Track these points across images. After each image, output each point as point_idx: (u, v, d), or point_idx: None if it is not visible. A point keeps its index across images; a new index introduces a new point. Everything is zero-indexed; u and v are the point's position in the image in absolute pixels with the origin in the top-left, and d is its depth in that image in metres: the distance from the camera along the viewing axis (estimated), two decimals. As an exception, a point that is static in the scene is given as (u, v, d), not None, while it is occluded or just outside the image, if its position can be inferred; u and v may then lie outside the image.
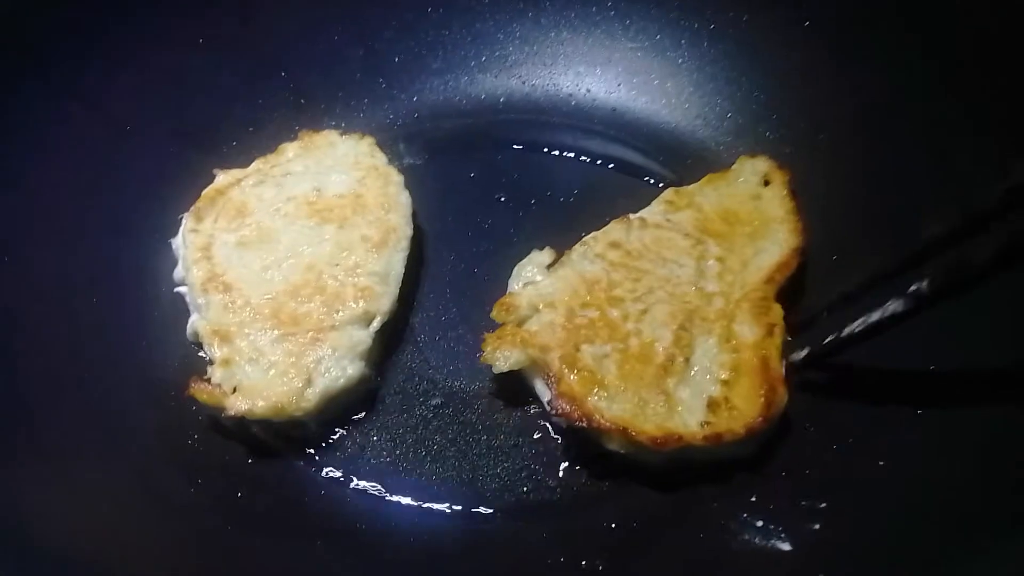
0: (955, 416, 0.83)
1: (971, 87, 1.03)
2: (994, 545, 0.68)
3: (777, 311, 0.94)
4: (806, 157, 1.17)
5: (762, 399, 0.87)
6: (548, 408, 0.91)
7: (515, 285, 1.01)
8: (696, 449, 0.86)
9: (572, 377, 0.90)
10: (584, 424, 0.87)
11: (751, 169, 1.11)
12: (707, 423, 0.86)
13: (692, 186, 1.11)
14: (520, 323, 0.96)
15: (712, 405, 0.87)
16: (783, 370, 0.90)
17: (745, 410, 0.86)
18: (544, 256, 1.03)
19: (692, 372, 0.90)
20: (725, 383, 0.89)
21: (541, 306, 0.96)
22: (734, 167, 1.12)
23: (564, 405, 0.88)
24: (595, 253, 1.01)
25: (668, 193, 1.10)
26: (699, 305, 0.96)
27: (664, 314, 0.95)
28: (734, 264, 1.00)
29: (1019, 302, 0.84)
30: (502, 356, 0.93)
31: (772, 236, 1.03)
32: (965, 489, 0.76)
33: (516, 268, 1.02)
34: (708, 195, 1.09)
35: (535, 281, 1.00)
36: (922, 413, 0.85)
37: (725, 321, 0.94)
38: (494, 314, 0.97)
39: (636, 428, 0.86)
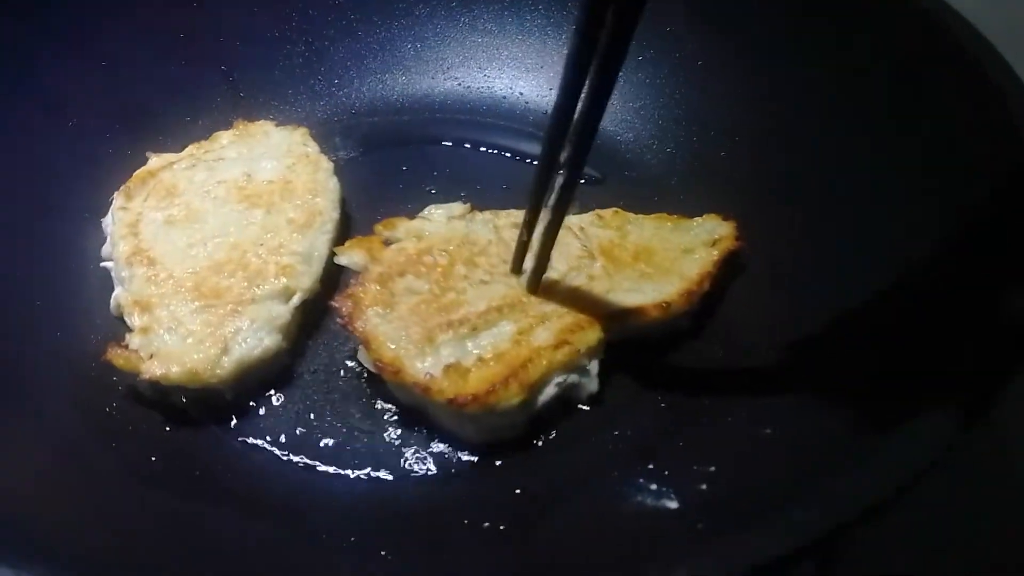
0: (830, 382, 0.88)
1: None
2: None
3: (586, 338, 0.94)
4: (724, 157, 1.24)
5: (491, 387, 0.88)
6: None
7: (419, 215, 1.08)
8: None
9: (371, 287, 0.97)
10: (344, 323, 0.94)
11: (709, 228, 1.08)
12: (430, 375, 0.89)
13: (636, 215, 1.11)
14: (391, 242, 1.03)
15: (452, 367, 0.89)
16: (535, 378, 0.90)
17: (469, 385, 0.88)
18: (458, 208, 1.08)
19: (470, 340, 0.93)
20: (480, 360, 0.91)
21: (413, 236, 1.03)
22: (696, 220, 1.10)
23: (345, 301, 0.96)
24: (495, 224, 1.06)
25: (608, 211, 1.11)
26: (530, 300, 0.97)
27: (496, 293, 0.98)
28: (599, 288, 1.00)
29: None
30: (348, 255, 1.01)
31: (657, 284, 1.01)
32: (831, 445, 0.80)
33: (431, 206, 1.09)
34: (644, 228, 1.09)
35: (432, 219, 1.07)
36: (799, 383, 0.90)
37: (536, 321, 0.95)
38: (377, 226, 1.05)
39: (378, 345, 0.92)
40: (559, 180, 0.86)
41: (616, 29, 0.68)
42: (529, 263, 0.99)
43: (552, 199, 0.88)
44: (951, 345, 0.78)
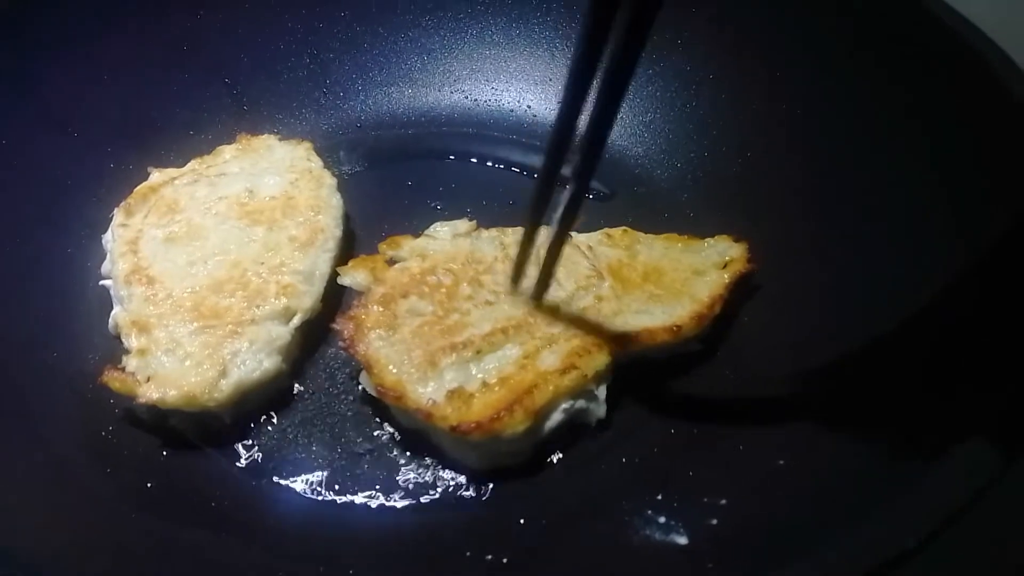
0: (848, 415, 0.85)
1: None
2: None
3: (594, 362, 0.91)
4: (735, 172, 1.21)
5: (495, 414, 0.85)
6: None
7: (423, 232, 1.06)
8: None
9: (373, 309, 0.95)
10: (345, 346, 0.92)
11: (720, 249, 1.06)
12: (433, 400, 0.87)
13: (646, 235, 1.09)
14: (394, 262, 1.02)
15: (456, 392, 0.87)
16: (541, 404, 0.88)
17: (473, 412, 0.86)
18: (463, 225, 1.06)
19: (474, 364, 0.91)
20: (485, 384, 0.89)
21: (417, 255, 1.01)
22: (707, 240, 1.07)
23: (346, 324, 0.94)
24: (501, 241, 1.04)
25: (617, 230, 1.09)
26: (537, 321, 0.95)
27: (502, 314, 0.96)
28: (607, 310, 0.98)
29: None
30: (350, 275, 0.99)
31: (667, 306, 0.98)
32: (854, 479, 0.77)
33: (437, 223, 1.07)
34: (654, 248, 1.07)
35: (437, 237, 1.04)
36: (815, 411, 0.87)
37: (543, 343, 0.92)
38: (381, 244, 1.03)
39: (380, 369, 0.90)
40: (565, 193, 0.81)
41: (631, 28, 0.63)
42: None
43: (558, 213, 0.83)
44: (980, 370, 0.75)
